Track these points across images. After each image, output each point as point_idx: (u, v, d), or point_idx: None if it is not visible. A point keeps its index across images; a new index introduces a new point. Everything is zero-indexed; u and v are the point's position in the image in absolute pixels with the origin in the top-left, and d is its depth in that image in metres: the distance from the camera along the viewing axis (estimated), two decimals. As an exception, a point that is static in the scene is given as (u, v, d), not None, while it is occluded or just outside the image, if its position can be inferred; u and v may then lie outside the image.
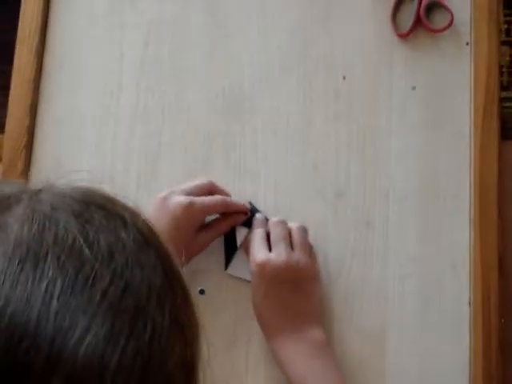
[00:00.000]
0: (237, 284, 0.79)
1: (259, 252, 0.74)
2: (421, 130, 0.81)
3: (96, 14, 0.89)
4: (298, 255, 0.74)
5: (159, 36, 0.87)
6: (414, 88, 0.82)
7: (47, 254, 0.36)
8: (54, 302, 0.34)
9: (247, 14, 0.86)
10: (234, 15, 0.86)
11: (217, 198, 0.77)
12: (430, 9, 0.83)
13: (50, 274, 0.35)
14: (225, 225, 0.79)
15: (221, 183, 0.80)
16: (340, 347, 0.76)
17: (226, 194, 0.79)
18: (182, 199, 0.74)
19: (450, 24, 0.81)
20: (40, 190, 0.40)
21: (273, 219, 0.77)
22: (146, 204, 0.81)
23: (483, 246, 0.77)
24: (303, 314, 0.74)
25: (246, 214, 0.79)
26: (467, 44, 0.82)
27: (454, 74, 0.82)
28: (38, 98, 0.87)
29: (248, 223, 0.79)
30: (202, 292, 0.79)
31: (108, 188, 0.42)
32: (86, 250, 0.36)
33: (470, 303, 0.76)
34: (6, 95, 0.87)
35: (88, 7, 0.89)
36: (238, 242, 0.79)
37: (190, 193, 0.75)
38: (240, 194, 0.81)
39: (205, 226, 0.78)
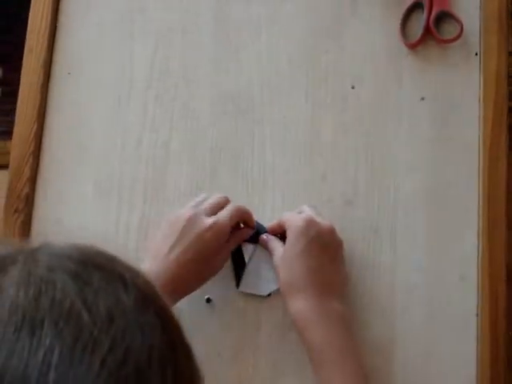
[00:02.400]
0: (244, 295, 0.79)
1: (301, 215, 0.74)
2: (429, 140, 0.81)
3: (105, 23, 0.89)
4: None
5: (168, 45, 0.87)
6: (422, 99, 0.81)
7: (44, 320, 0.34)
8: (52, 372, 0.33)
9: (257, 24, 0.86)
10: (243, 25, 0.86)
11: (236, 208, 0.76)
12: (440, 19, 0.82)
13: (48, 342, 0.33)
14: (240, 235, 0.78)
15: (229, 193, 0.80)
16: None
17: None
18: (210, 222, 0.73)
19: (460, 34, 0.81)
20: (36, 250, 0.39)
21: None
22: (154, 212, 0.82)
23: (491, 257, 0.77)
24: (331, 283, 0.73)
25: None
26: (476, 54, 0.82)
27: (463, 84, 0.81)
28: (46, 105, 0.87)
29: (254, 240, 0.79)
30: (208, 300, 0.79)
31: (108, 246, 0.41)
32: (85, 315, 0.35)
33: (477, 315, 0.76)
34: (14, 102, 0.87)
35: (97, 16, 0.89)
36: (246, 259, 0.79)
37: (212, 212, 0.75)
38: (248, 204, 0.80)
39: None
